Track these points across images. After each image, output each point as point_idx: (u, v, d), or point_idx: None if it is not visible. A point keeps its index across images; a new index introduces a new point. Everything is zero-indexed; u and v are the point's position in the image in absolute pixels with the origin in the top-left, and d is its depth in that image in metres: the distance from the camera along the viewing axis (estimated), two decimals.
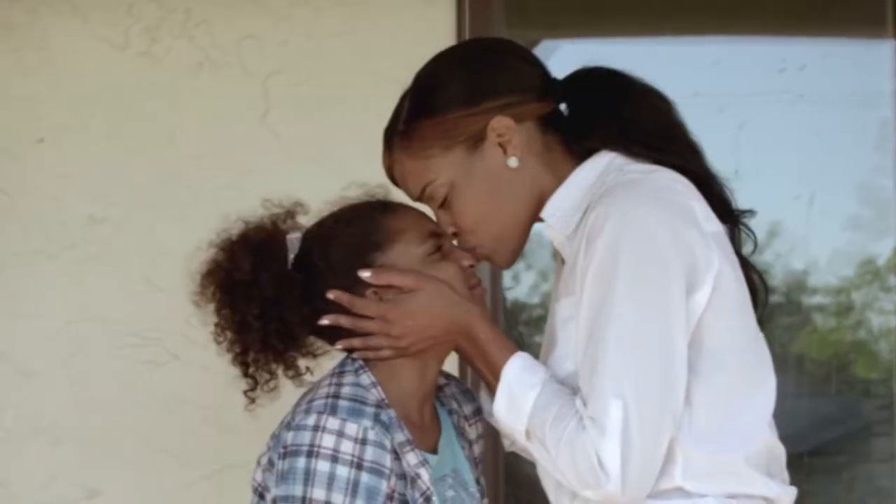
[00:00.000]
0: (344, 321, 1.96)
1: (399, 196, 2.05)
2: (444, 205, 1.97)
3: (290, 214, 2.04)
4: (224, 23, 3.14)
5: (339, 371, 1.97)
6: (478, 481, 2.07)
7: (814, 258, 3.72)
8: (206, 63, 3.14)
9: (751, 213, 1.99)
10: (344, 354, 2.01)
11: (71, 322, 3.11)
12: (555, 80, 1.99)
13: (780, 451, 1.94)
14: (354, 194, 2.05)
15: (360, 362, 1.97)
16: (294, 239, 2.00)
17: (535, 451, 1.87)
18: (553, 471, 1.86)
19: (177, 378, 3.11)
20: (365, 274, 1.94)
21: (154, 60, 3.13)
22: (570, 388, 1.87)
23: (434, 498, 1.92)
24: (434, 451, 1.98)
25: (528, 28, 3.67)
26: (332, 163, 3.12)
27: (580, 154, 1.97)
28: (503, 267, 2.02)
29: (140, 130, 3.13)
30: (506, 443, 1.99)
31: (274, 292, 1.96)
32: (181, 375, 3.12)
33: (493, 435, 2.06)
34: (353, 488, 1.85)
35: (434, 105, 1.96)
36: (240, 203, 3.08)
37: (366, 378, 1.95)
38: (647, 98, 1.97)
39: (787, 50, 3.61)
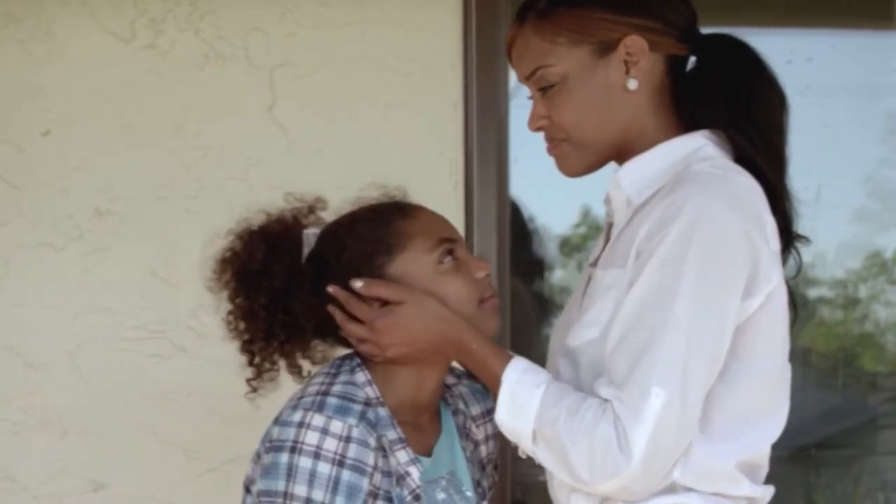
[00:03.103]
0: (338, 317, 1.97)
1: (416, 199, 2.06)
2: (546, 92, 1.96)
3: (312, 209, 2.05)
4: (230, 15, 3.14)
5: (335, 368, 1.98)
6: (478, 483, 2.06)
7: (821, 251, 3.71)
8: (212, 55, 3.14)
9: (806, 239, 1.98)
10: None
11: (78, 314, 3.11)
12: (698, 30, 1.99)
13: (766, 465, 1.96)
14: (374, 195, 2.06)
15: (358, 360, 1.98)
16: (311, 234, 2.01)
17: (541, 454, 1.86)
18: (561, 471, 1.85)
19: (183, 370, 3.12)
20: (357, 284, 1.95)
21: (160, 53, 3.13)
22: (584, 356, 1.88)
23: (423, 497, 1.92)
24: (428, 453, 1.98)
25: None
26: (338, 155, 3.12)
27: (684, 114, 1.96)
28: (568, 175, 2.00)
29: (146, 123, 3.13)
30: (520, 451, 1.98)
31: (283, 284, 1.97)
32: (188, 368, 3.12)
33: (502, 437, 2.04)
34: (335, 485, 1.86)
35: None
36: (246, 195, 3.10)
37: (361, 376, 1.96)
38: (771, 91, 1.96)
39: (795, 42, 3.61)
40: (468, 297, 1.96)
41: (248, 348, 2.03)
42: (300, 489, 1.85)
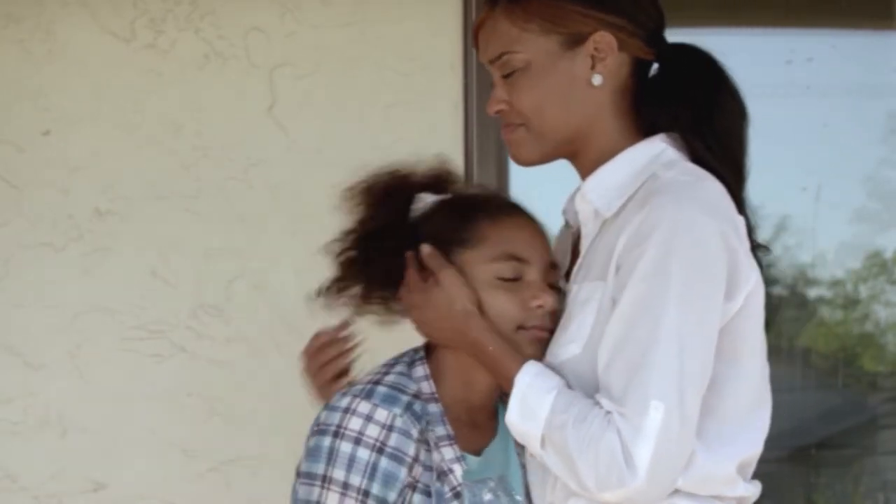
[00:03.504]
0: (405, 280, 1.99)
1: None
2: (508, 78, 1.96)
3: (448, 179, 2.07)
4: (230, 15, 3.14)
5: (395, 360, 2.01)
6: None
7: (821, 251, 3.71)
8: (212, 55, 3.14)
9: (766, 249, 1.98)
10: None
11: (78, 314, 3.11)
12: (664, 38, 1.99)
13: (755, 463, 1.96)
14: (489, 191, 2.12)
15: (423, 353, 2.01)
16: (425, 198, 2.04)
17: (549, 459, 1.86)
18: (568, 477, 1.85)
19: (183, 371, 3.12)
20: (425, 249, 1.97)
21: (160, 53, 3.13)
22: (569, 372, 1.88)
23: (465, 494, 1.92)
24: (478, 453, 1.99)
25: None
26: (338, 155, 3.12)
27: (644, 119, 1.96)
28: (519, 163, 2.00)
29: (146, 123, 3.13)
30: (528, 453, 1.98)
31: (375, 229, 2.01)
32: (187, 368, 3.12)
33: None
34: (372, 471, 1.87)
35: None
36: (246, 195, 3.10)
37: (420, 370, 1.98)
38: (733, 103, 1.96)
39: (795, 42, 3.60)
40: (507, 319, 1.95)
41: (339, 262, 2.04)
42: (339, 473, 1.87)
